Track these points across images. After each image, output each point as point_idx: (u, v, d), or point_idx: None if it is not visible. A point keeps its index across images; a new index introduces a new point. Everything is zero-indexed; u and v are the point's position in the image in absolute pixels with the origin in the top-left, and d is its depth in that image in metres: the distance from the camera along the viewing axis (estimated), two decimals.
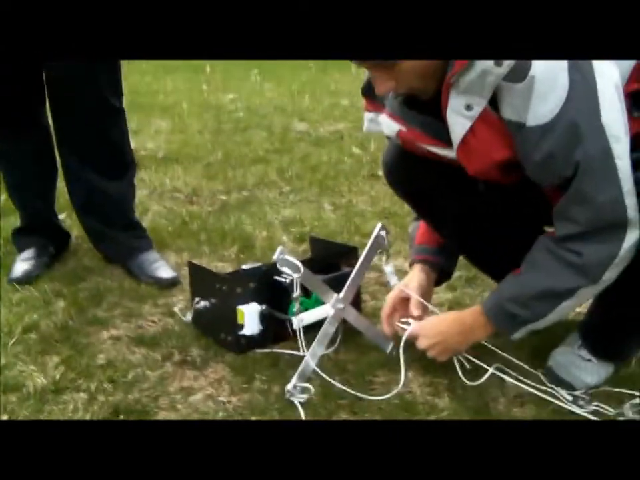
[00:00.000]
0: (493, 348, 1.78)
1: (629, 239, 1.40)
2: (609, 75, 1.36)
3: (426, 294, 1.82)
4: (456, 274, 2.33)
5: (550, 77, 1.32)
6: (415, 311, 1.76)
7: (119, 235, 2.36)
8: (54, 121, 2.27)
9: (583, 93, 1.32)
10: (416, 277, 1.83)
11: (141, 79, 7.44)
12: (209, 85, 6.97)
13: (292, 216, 2.96)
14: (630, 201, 1.37)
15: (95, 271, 2.34)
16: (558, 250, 1.47)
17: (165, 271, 2.27)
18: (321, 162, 3.89)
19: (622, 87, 1.40)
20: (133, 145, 3.93)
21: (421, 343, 1.69)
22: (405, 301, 1.80)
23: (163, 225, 2.79)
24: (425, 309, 1.79)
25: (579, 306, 1.55)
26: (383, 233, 1.79)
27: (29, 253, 2.34)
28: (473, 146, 1.45)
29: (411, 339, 1.72)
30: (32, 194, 2.37)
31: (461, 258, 2.16)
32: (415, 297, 1.77)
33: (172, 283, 2.23)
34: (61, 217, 2.62)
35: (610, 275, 1.45)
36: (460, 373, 1.69)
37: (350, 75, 6.71)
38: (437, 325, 1.71)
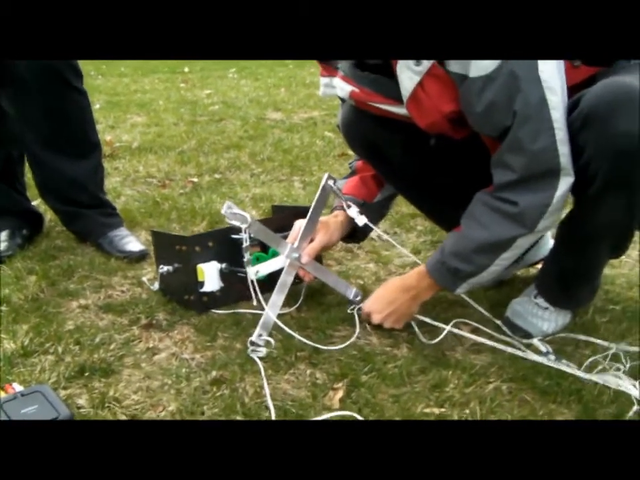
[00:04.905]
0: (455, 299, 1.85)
1: (562, 187, 1.44)
2: None
3: (332, 235, 1.87)
4: (421, 238, 2.40)
5: None
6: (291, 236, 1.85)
7: (89, 213, 2.39)
8: (13, 106, 2.26)
9: None
10: (331, 218, 1.90)
11: (119, 80, 7.47)
12: (186, 83, 7.01)
13: (262, 193, 3.00)
14: (563, 149, 1.41)
15: (67, 250, 2.37)
16: (494, 202, 1.52)
17: (134, 245, 2.31)
18: (293, 146, 3.93)
19: None
20: (108, 137, 3.99)
21: (375, 319, 1.77)
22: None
23: (136, 207, 2.82)
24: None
25: (517, 256, 1.59)
26: (330, 182, 1.83)
27: (2, 235, 2.35)
28: (422, 99, 1.50)
29: (366, 317, 1.80)
30: None
31: (428, 222, 2.21)
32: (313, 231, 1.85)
33: (141, 256, 2.27)
34: (35, 202, 2.64)
35: (545, 224, 1.49)
36: (419, 334, 1.75)
37: None
38: (384, 297, 1.77)
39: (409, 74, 1.47)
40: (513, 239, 1.52)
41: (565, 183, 1.44)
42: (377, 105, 1.63)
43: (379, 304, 1.76)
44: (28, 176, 2.48)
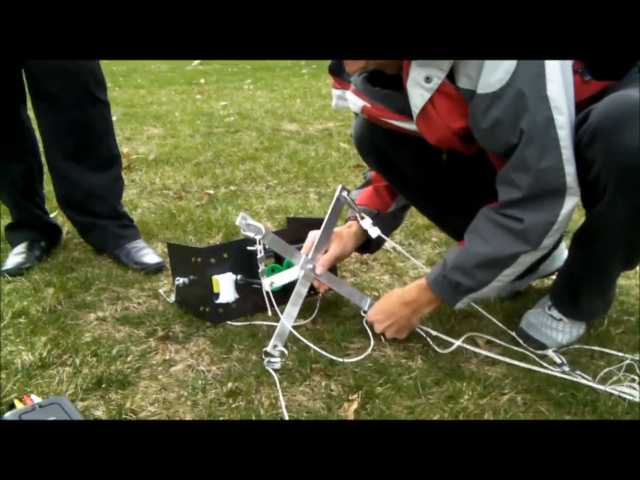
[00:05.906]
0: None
1: (567, 206, 1.45)
2: None
3: (346, 245, 1.89)
4: (436, 250, 2.41)
5: None
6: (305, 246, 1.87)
7: (106, 225, 2.42)
8: (38, 118, 2.30)
9: (530, 65, 1.37)
10: (345, 228, 1.92)
11: (135, 92, 7.51)
12: (202, 95, 7.04)
13: (277, 205, 3.01)
14: (569, 168, 1.41)
15: (85, 262, 2.39)
16: (499, 218, 1.53)
17: (151, 257, 2.33)
18: (308, 157, 3.95)
19: None
20: (125, 149, 4.02)
21: (377, 329, 1.80)
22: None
23: (152, 219, 2.84)
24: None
25: (519, 273, 1.59)
26: (344, 193, 1.85)
27: (20, 247, 2.39)
28: (431, 116, 1.52)
29: (370, 326, 1.82)
30: (17, 193, 2.41)
31: (443, 234, 2.20)
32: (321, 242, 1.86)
33: (158, 269, 2.29)
34: (52, 215, 2.67)
35: (549, 241, 1.50)
36: (430, 342, 1.77)
37: None
38: (384, 309, 1.79)
39: (419, 91, 1.48)
40: (516, 256, 1.52)
41: (571, 201, 1.45)
42: (388, 121, 1.65)
43: (380, 315, 1.78)
44: (47, 188, 2.50)
